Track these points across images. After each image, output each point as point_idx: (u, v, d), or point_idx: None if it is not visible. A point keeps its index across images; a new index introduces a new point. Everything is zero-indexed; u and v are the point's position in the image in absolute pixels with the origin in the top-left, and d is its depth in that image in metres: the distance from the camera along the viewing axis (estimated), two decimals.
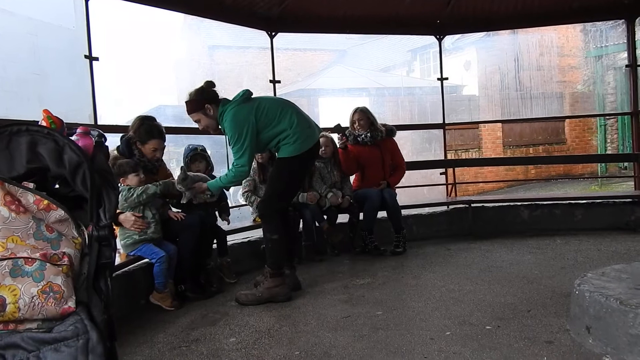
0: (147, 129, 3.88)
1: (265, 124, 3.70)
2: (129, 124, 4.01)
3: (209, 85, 3.83)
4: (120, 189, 3.66)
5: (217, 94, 3.83)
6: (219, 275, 4.38)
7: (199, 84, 3.84)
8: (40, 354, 1.30)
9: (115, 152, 3.90)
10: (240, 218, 5.59)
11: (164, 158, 4.20)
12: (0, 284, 1.30)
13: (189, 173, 3.88)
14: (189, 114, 3.85)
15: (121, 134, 3.99)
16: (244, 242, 5.03)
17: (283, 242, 3.86)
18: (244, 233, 5.06)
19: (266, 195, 3.98)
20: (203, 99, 3.77)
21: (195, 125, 3.92)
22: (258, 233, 5.13)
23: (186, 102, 3.83)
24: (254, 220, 5.05)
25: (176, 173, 4.44)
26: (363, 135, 5.36)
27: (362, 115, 5.39)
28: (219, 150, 7.00)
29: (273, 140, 3.75)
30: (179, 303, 3.79)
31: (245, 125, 3.63)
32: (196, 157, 4.36)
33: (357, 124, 5.39)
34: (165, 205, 4.01)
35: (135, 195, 3.68)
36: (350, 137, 5.39)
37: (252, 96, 3.81)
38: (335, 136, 5.34)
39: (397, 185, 5.56)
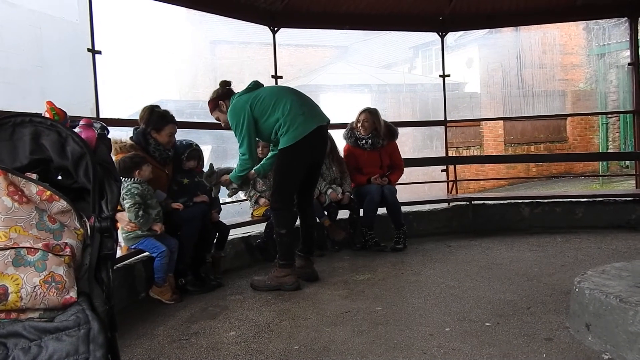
0: (160, 115, 3.98)
1: (261, 113, 3.80)
2: (131, 117, 4.02)
3: (223, 84, 4.06)
4: (130, 186, 3.63)
5: (230, 90, 4.03)
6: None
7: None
8: (42, 343, 1.30)
9: (129, 141, 3.95)
10: (241, 213, 5.59)
11: None
12: (2, 273, 1.31)
13: (215, 168, 4.04)
14: (210, 113, 4.11)
15: (133, 128, 4.07)
16: (244, 237, 5.03)
17: (291, 236, 3.95)
18: (243, 228, 5.07)
19: (272, 190, 4.07)
20: (217, 97, 4.01)
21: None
22: (257, 228, 5.15)
23: (207, 102, 4.09)
24: (252, 215, 5.06)
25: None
26: (364, 141, 5.33)
27: (368, 117, 5.29)
28: (221, 145, 7.02)
29: (272, 132, 3.82)
30: (179, 296, 3.79)
31: (241, 115, 3.78)
32: (192, 155, 4.21)
33: (360, 123, 5.31)
34: (168, 199, 4.01)
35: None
36: (351, 138, 5.38)
37: (260, 87, 3.94)
38: None
39: (397, 182, 5.55)
